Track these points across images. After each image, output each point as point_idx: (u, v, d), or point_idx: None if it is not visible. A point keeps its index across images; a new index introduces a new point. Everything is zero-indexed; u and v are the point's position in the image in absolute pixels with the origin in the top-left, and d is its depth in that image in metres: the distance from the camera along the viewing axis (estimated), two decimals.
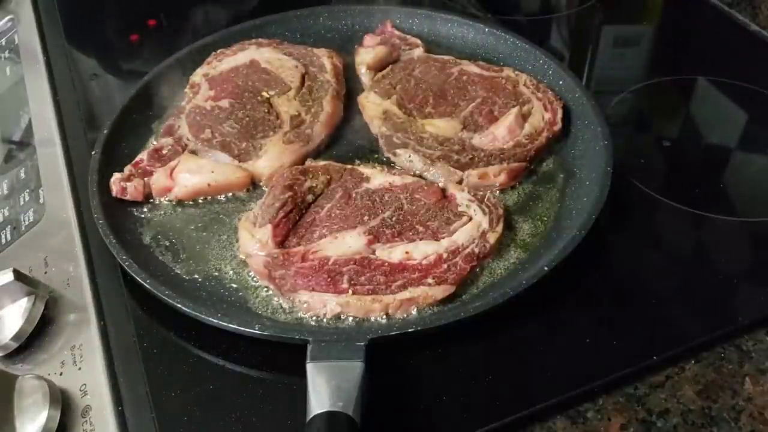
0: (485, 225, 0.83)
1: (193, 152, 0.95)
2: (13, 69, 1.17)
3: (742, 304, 0.79)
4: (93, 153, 0.93)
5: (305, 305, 0.77)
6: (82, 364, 0.73)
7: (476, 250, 0.81)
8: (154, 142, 0.98)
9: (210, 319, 0.73)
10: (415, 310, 0.76)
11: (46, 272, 0.83)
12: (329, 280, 0.78)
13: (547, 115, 0.97)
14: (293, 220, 0.85)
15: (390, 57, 1.11)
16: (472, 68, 1.06)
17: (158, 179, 0.91)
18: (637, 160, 0.97)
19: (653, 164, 0.98)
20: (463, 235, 0.82)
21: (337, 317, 0.76)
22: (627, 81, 1.12)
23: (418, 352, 0.74)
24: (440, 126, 0.97)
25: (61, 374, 0.73)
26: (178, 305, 0.74)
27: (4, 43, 1.24)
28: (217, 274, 0.82)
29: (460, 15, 1.18)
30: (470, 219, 0.84)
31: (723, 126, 1.05)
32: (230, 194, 0.92)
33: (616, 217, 0.86)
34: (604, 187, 0.84)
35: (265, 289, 0.80)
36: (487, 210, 0.85)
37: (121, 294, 0.80)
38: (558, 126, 0.96)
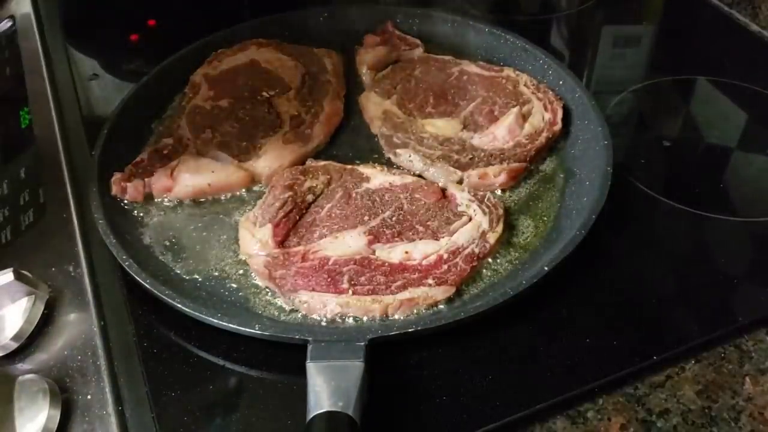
0: (485, 225, 0.83)
1: (193, 152, 0.95)
2: (13, 69, 1.17)
3: (742, 304, 0.79)
4: (93, 153, 0.93)
5: (305, 305, 0.77)
6: (82, 364, 0.73)
7: (476, 251, 0.81)
8: (155, 142, 0.98)
9: (210, 319, 0.73)
10: (415, 310, 0.76)
11: (46, 272, 0.83)
12: (329, 280, 0.78)
13: (547, 115, 0.97)
14: (293, 219, 0.85)
15: (390, 57, 1.11)
16: (472, 68, 1.06)
17: (158, 179, 0.91)
18: (637, 160, 0.97)
19: (653, 164, 0.98)
20: (463, 236, 0.82)
21: (337, 317, 0.77)
22: (627, 81, 1.12)
23: (418, 352, 0.74)
24: (440, 126, 0.97)
25: (61, 374, 0.73)
26: (178, 305, 0.74)
27: (4, 43, 1.24)
28: (217, 274, 0.82)
29: (460, 15, 1.17)
30: (470, 219, 0.84)
31: (723, 126, 1.05)
32: (230, 194, 0.93)
33: (616, 217, 0.86)
34: (604, 187, 0.84)
35: (265, 289, 0.80)
36: (487, 210, 0.85)
37: (121, 294, 0.80)
38: (558, 126, 0.96)
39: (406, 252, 0.80)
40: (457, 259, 0.80)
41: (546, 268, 0.76)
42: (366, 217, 0.84)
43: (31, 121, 1.05)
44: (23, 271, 0.78)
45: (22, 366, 0.75)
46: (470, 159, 0.93)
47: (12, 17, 1.28)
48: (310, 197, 0.88)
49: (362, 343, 0.69)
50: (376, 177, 0.90)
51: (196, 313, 0.74)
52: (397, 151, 0.95)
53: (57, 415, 0.68)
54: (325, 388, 0.65)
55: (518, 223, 0.87)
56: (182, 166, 0.92)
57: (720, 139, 1.03)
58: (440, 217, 0.84)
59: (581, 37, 1.27)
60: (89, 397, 0.71)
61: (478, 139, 0.96)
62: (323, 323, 0.76)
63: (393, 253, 0.80)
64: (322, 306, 0.76)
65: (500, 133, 0.95)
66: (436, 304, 0.77)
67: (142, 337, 0.76)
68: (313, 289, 0.77)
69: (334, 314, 0.76)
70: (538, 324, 0.77)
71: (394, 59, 1.11)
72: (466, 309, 0.73)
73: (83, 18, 1.31)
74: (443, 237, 0.82)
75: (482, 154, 0.93)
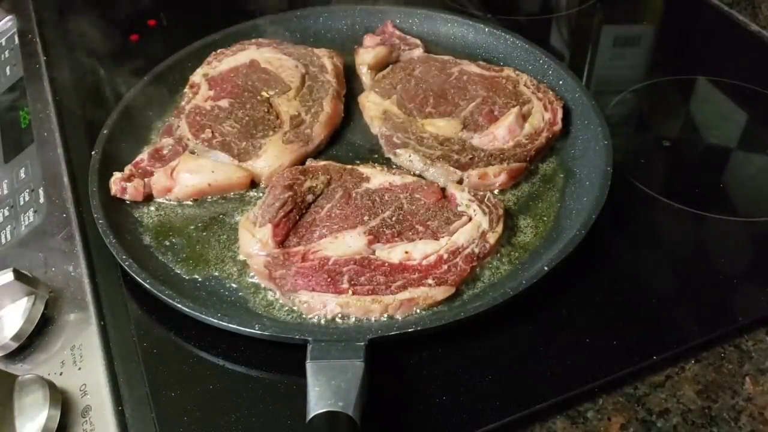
0: (485, 225, 0.83)
1: (193, 152, 0.95)
2: (13, 69, 1.17)
3: (742, 304, 0.79)
4: (93, 153, 0.93)
5: (305, 305, 0.77)
6: (82, 364, 0.73)
7: (476, 251, 0.80)
8: (155, 142, 0.98)
9: (210, 319, 0.73)
10: (415, 310, 0.76)
11: (46, 272, 0.83)
12: (329, 280, 0.78)
13: (547, 115, 0.97)
14: (293, 219, 0.85)
15: (390, 57, 1.11)
16: (472, 68, 1.06)
17: (158, 179, 0.91)
18: (637, 160, 0.97)
19: (653, 164, 0.98)
20: (463, 236, 0.82)
21: (337, 317, 0.77)
22: (627, 81, 1.12)
23: (418, 352, 0.74)
24: (440, 126, 0.97)
25: (61, 374, 0.73)
26: (178, 305, 0.74)
27: (4, 43, 1.24)
28: (217, 274, 0.82)
29: (460, 15, 1.18)
30: (470, 219, 0.84)
31: (723, 126, 1.05)
32: (230, 194, 0.93)
33: (616, 217, 0.86)
34: (604, 187, 0.84)
35: (265, 289, 0.80)
36: (487, 210, 0.85)
37: (121, 294, 0.80)
38: (558, 126, 0.96)
39: (406, 252, 0.80)
40: (457, 259, 0.80)
41: (546, 268, 0.76)
42: (366, 217, 0.84)
43: (31, 121, 1.05)
44: (23, 271, 0.78)
45: (22, 366, 0.75)
46: (470, 159, 0.93)
47: (12, 17, 1.28)
48: (310, 197, 0.88)
49: (362, 343, 0.69)
50: (376, 177, 0.90)
51: (196, 313, 0.74)
52: (397, 151, 0.95)
53: (57, 415, 0.68)
54: (325, 388, 0.65)
55: (518, 223, 0.87)
56: (182, 166, 0.92)
57: (720, 139, 1.03)
58: (440, 217, 0.84)
59: (581, 37, 1.27)
60: (89, 396, 0.71)
61: (478, 139, 0.96)
62: (323, 323, 0.76)
63: (393, 253, 0.80)
64: (322, 306, 0.76)
65: (500, 133, 0.95)
66: (436, 304, 0.77)
67: (142, 337, 0.76)
68: (313, 289, 0.77)
69: (334, 314, 0.76)
70: (538, 324, 0.77)
71: (394, 59, 1.11)
72: (466, 309, 0.73)
73: (83, 18, 1.30)
74: (443, 237, 0.82)
75: (482, 154, 0.93)
